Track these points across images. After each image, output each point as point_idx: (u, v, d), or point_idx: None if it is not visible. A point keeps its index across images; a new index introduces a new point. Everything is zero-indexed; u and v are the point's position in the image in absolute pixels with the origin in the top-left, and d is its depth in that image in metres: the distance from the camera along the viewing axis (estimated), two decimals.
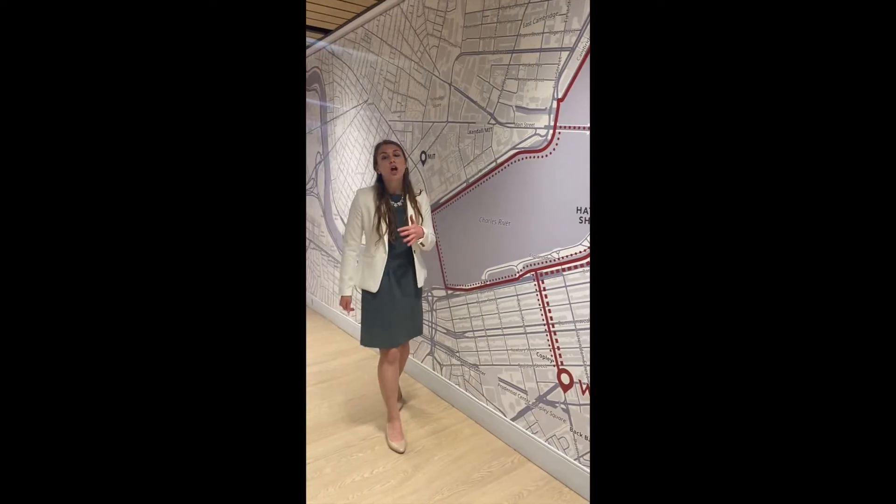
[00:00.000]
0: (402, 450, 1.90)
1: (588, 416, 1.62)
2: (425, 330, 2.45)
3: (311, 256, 3.90)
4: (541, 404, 1.81)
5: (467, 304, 2.15)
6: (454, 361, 2.28)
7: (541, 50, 1.66)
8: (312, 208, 3.79)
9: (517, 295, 1.88)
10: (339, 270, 1.99)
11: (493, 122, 1.91)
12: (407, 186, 1.91)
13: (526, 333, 1.85)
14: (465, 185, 2.09)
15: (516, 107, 1.79)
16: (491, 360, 2.05)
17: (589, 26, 1.49)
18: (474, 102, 1.99)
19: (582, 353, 1.63)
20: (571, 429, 1.68)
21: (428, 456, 1.88)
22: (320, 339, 3.24)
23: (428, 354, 2.47)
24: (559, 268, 1.67)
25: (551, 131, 1.65)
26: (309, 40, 3.30)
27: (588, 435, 1.62)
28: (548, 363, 1.76)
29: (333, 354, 2.96)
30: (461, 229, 2.14)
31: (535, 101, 1.70)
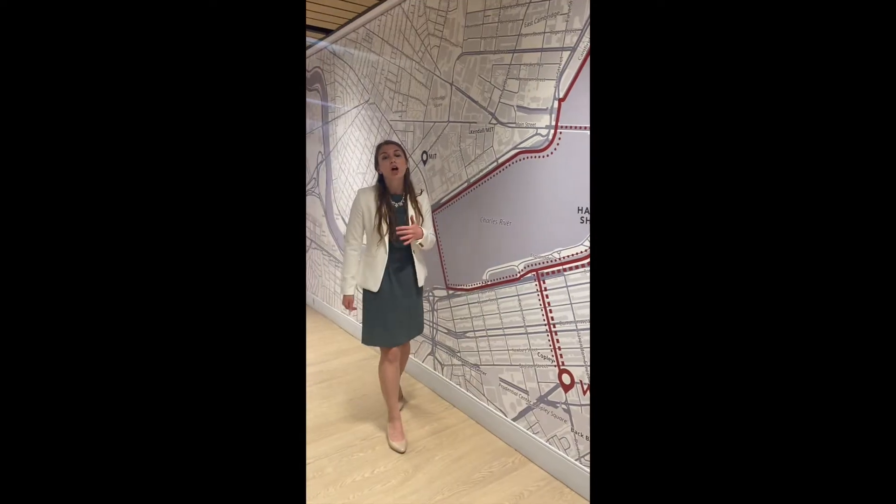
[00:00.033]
0: (402, 449, 1.90)
1: (589, 416, 1.62)
2: (426, 330, 2.45)
3: (313, 256, 3.90)
4: (542, 404, 1.81)
5: (468, 304, 2.15)
6: (455, 361, 2.28)
7: (542, 50, 1.66)
8: (314, 208, 3.79)
9: (518, 295, 1.88)
10: (341, 270, 1.99)
11: (494, 121, 1.90)
12: (408, 186, 1.91)
13: (527, 333, 1.85)
14: (466, 184, 2.09)
15: (517, 106, 1.78)
16: (492, 360, 2.05)
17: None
18: (475, 102, 1.99)
19: (583, 353, 1.63)
20: (572, 429, 1.68)
21: (429, 456, 1.88)
22: (322, 338, 3.25)
23: (429, 354, 2.47)
24: (560, 268, 1.67)
25: (552, 131, 1.65)
26: (310, 40, 3.31)
27: (589, 435, 1.62)
28: (549, 363, 1.76)
29: (334, 354, 2.96)
30: (462, 229, 2.14)
31: (537, 101, 1.70)
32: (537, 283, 1.77)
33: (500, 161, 1.89)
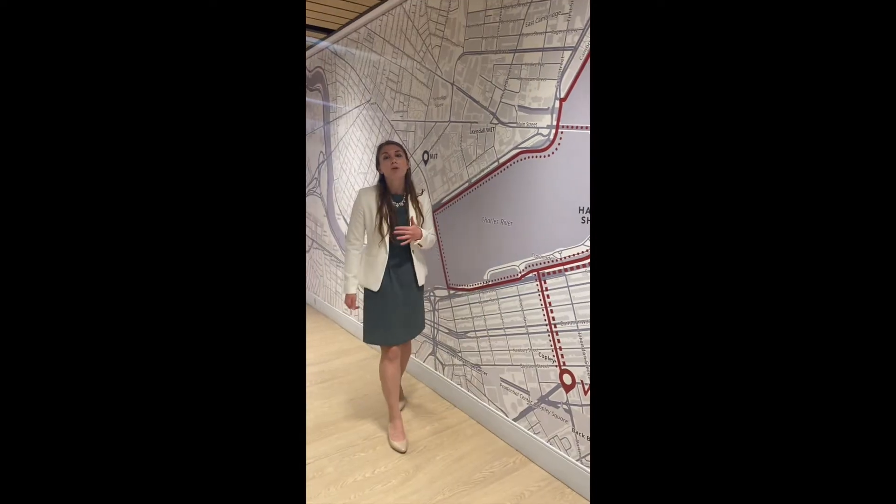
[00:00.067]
0: (403, 449, 1.90)
1: (589, 416, 1.61)
2: (428, 330, 2.45)
3: (314, 256, 3.91)
4: (543, 405, 1.80)
5: (469, 304, 2.15)
6: (456, 361, 2.28)
7: (543, 49, 1.65)
8: (315, 208, 3.79)
9: (519, 295, 1.88)
10: (344, 269, 2.00)
11: (495, 121, 1.90)
12: (409, 187, 1.91)
13: (528, 334, 1.85)
14: (467, 184, 2.09)
15: (519, 106, 1.78)
16: (493, 360, 2.05)
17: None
18: (477, 102, 1.99)
19: (584, 353, 1.62)
20: (573, 429, 1.68)
21: (429, 456, 1.88)
22: (323, 338, 3.25)
23: (430, 354, 2.47)
24: (561, 268, 1.67)
25: (554, 131, 1.65)
26: (312, 40, 3.31)
27: (589, 436, 1.62)
28: (550, 363, 1.76)
29: (336, 354, 2.96)
30: (463, 229, 2.14)
31: (538, 101, 1.70)
32: (538, 283, 1.77)
33: (502, 161, 1.89)
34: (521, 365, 1.90)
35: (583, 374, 1.64)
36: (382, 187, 1.89)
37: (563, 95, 1.60)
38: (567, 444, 1.71)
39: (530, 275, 1.81)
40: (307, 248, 4.01)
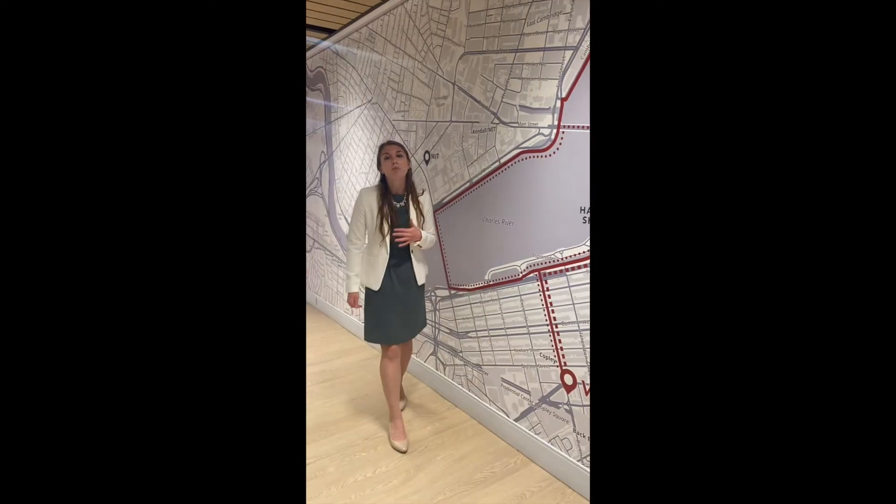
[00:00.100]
0: (404, 449, 1.90)
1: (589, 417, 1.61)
2: (429, 330, 2.45)
3: (316, 256, 3.91)
4: (544, 405, 1.80)
5: (470, 304, 2.15)
6: (457, 361, 2.28)
7: (544, 49, 1.65)
8: (317, 208, 3.80)
9: (520, 295, 1.87)
10: (346, 268, 2.00)
11: (496, 121, 1.90)
12: (409, 187, 1.92)
13: (529, 334, 1.85)
14: (468, 184, 2.08)
15: (520, 106, 1.78)
16: (494, 360, 2.05)
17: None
18: (478, 102, 1.98)
19: (585, 353, 1.62)
20: (575, 430, 1.67)
21: (430, 456, 1.88)
22: (324, 338, 3.25)
23: (431, 354, 2.47)
24: (563, 268, 1.66)
25: (555, 131, 1.64)
26: (314, 40, 3.31)
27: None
28: (551, 364, 1.76)
29: (337, 353, 2.96)
30: (464, 229, 2.13)
31: (539, 101, 1.69)
32: (539, 283, 1.77)
33: (503, 161, 1.89)
34: (522, 365, 1.90)
35: (584, 374, 1.63)
36: (383, 187, 1.89)
37: (564, 95, 1.59)
38: (568, 444, 1.70)
39: (531, 275, 1.80)
40: (309, 248, 4.01)
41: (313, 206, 3.85)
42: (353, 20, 2.85)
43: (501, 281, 1.96)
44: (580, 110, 1.55)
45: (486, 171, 1.97)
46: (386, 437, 2.00)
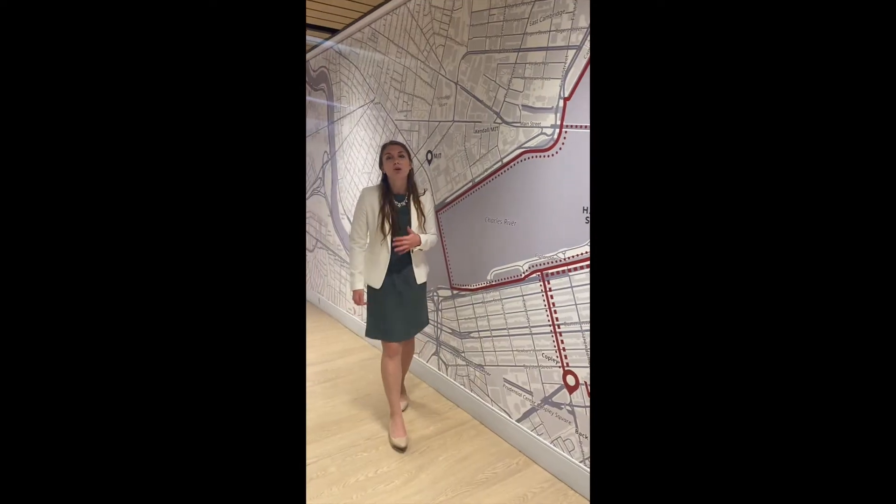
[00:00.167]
0: (403, 445, 1.90)
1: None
2: (431, 330, 2.45)
3: (318, 256, 3.92)
4: (546, 406, 1.79)
5: (472, 304, 2.15)
6: (459, 361, 2.27)
7: (547, 48, 1.65)
8: (319, 207, 3.80)
9: (523, 295, 1.87)
10: (349, 267, 2.01)
11: (499, 121, 1.89)
12: (411, 187, 1.92)
13: (531, 334, 1.84)
14: (470, 184, 2.08)
15: (522, 106, 1.77)
16: (496, 360, 2.04)
17: None
18: (480, 101, 1.98)
19: (588, 354, 1.61)
20: (577, 431, 1.67)
21: (432, 456, 1.88)
22: (326, 337, 3.25)
23: (433, 354, 2.47)
24: (565, 268, 1.66)
25: (557, 130, 1.64)
26: (316, 40, 3.31)
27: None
28: (553, 364, 1.75)
29: (339, 353, 2.97)
30: (467, 229, 2.13)
31: (542, 100, 1.69)
32: (542, 283, 1.76)
33: (505, 160, 1.88)
34: (524, 366, 1.89)
35: (586, 375, 1.63)
36: (385, 187, 1.89)
37: (567, 95, 1.59)
38: (570, 445, 1.70)
39: (534, 275, 1.80)
40: (311, 247, 4.02)
41: (316, 205, 3.86)
42: (356, 20, 2.85)
43: (504, 281, 1.96)
44: (583, 110, 1.54)
45: (489, 171, 1.97)
46: (387, 438, 2.00)
